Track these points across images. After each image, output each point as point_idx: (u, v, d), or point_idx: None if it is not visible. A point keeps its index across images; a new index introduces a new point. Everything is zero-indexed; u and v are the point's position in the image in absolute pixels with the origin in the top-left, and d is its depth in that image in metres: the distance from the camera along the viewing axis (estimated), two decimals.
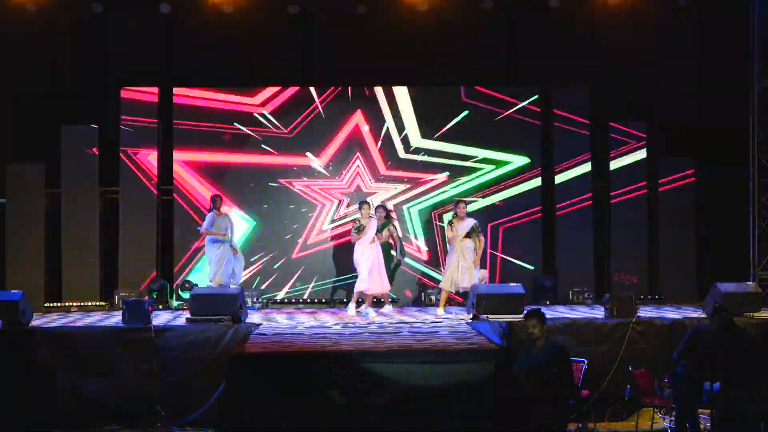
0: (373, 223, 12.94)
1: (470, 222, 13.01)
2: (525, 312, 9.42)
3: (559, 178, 14.72)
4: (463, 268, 12.81)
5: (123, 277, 14.26)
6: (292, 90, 14.67)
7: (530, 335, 9.07)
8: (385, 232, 13.20)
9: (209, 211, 13.41)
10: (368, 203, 13.17)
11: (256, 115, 14.62)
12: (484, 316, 11.41)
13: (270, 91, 14.66)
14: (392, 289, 13.51)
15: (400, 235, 13.72)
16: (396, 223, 13.81)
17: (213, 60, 14.46)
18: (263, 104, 14.64)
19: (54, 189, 14.40)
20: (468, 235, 12.91)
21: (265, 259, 14.59)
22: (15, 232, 14.18)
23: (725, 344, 8.84)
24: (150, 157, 14.54)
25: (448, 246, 13.10)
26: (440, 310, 12.96)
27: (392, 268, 13.60)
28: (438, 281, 13.88)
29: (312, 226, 14.71)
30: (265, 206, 14.69)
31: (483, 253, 13.07)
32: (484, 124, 14.73)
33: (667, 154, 14.73)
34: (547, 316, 11.63)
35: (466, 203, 13.31)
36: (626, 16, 14.24)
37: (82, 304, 13.98)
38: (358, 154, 14.73)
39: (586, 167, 14.71)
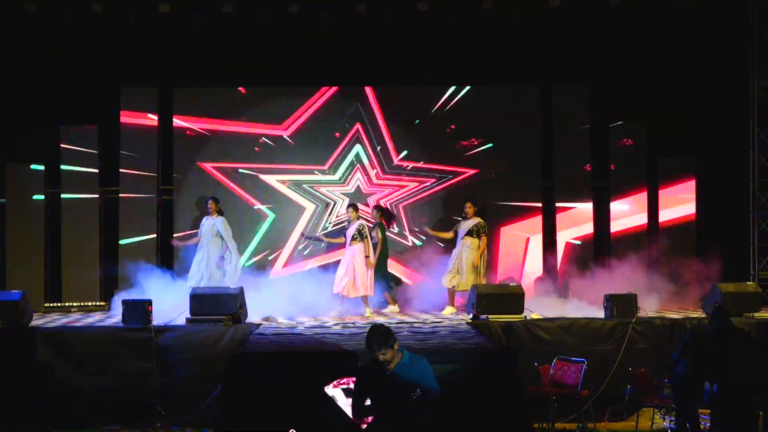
0: (353, 226, 12.93)
1: (472, 222, 13.06)
2: (368, 340, 6.97)
3: (560, 178, 14.74)
4: (462, 268, 12.88)
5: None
6: (291, 89, 14.71)
7: (382, 364, 6.93)
8: (373, 233, 13.29)
9: None
10: (354, 206, 13.18)
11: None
12: (484, 316, 11.41)
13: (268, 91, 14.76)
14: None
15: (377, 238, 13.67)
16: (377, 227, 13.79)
17: (213, 60, 14.44)
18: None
19: (54, 189, 14.40)
20: (470, 234, 12.98)
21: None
22: (15, 232, 14.18)
23: (725, 344, 8.84)
24: (150, 157, 14.54)
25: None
26: (450, 309, 13.01)
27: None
28: None
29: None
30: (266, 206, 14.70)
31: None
32: (483, 124, 14.74)
33: (667, 155, 14.71)
34: (549, 315, 11.73)
35: (474, 202, 13.30)
36: (626, 16, 14.23)
37: (82, 304, 13.98)
38: (358, 151, 14.73)
39: (587, 168, 14.73)
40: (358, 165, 14.74)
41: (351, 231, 12.96)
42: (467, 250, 12.97)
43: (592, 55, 14.48)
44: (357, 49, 14.40)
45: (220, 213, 13.40)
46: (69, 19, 14.16)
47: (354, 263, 12.78)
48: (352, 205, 13.24)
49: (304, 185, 14.72)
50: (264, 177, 14.69)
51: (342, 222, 14.38)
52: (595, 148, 14.77)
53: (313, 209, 14.67)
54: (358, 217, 13.12)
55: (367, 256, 12.87)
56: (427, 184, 14.71)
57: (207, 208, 13.46)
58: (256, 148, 14.65)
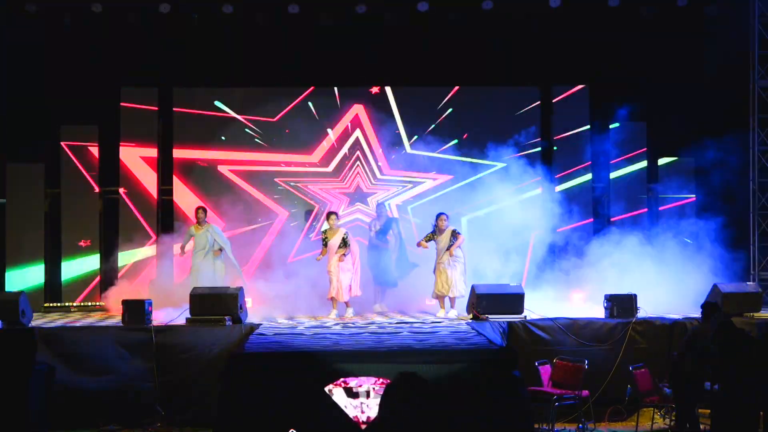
0: (339, 233, 12.81)
1: (447, 232, 12.91)
2: None
3: (559, 179, 14.73)
4: (451, 279, 12.81)
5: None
6: (292, 89, 14.71)
7: None
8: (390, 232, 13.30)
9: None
10: (335, 214, 13.14)
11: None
12: (484, 316, 11.40)
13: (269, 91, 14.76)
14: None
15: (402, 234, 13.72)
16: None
17: (213, 60, 14.45)
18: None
19: (54, 189, 14.41)
20: (449, 246, 12.84)
21: None
22: (15, 232, 14.19)
23: (725, 344, 8.83)
24: (149, 158, 14.55)
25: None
26: (442, 312, 13.04)
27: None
28: None
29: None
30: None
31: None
32: (484, 124, 14.74)
33: (667, 155, 14.72)
34: (549, 315, 11.72)
35: (447, 216, 13.05)
36: (626, 17, 14.25)
37: (82, 304, 13.99)
38: (358, 153, 14.73)
39: (586, 169, 14.72)
40: (358, 165, 14.74)
41: (336, 240, 12.76)
42: (451, 260, 12.87)
43: (592, 55, 14.48)
44: (357, 49, 14.41)
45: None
46: (69, 19, 14.18)
47: (339, 269, 12.75)
48: (334, 213, 13.08)
49: (305, 185, 14.73)
50: (264, 177, 14.70)
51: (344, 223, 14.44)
52: (595, 148, 14.77)
53: (315, 209, 14.69)
54: (336, 225, 13.00)
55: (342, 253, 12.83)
56: (423, 184, 14.72)
57: (201, 218, 12.99)
58: (255, 148, 14.67)
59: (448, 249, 12.73)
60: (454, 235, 12.82)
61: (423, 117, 14.73)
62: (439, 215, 12.99)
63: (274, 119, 14.68)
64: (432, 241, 12.91)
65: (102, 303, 13.91)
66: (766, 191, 14.31)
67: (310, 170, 14.74)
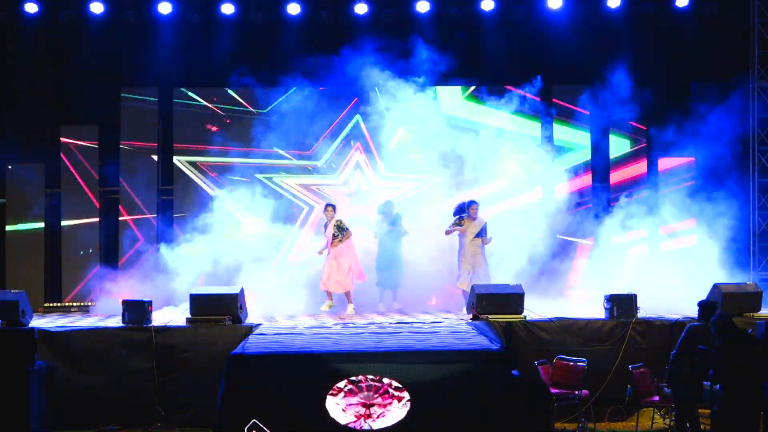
0: (331, 225, 12.90)
1: (480, 222, 12.99)
2: None
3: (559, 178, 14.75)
4: (478, 269, 12.83)
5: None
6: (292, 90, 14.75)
7: None
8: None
9: None
10: (332, 206, 13.16)
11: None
12: (485, 316, 11.41)
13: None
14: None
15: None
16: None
17: (213, 60, 14.46)
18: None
19: (54, 189, 14.42)
20: (479, 235, 12.93)
21: None
22: (15, 232, 14.19)
23: (726, 344, 8.83)
24: (150, 157, 14.56)
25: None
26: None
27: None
28: None
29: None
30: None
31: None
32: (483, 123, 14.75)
33: (667, 155, 14.73)
34: (549, 315, 11.74)
35: (478, 204, 13.20)
36: (626, 17, 14.26)
37: (82, 304, 13.99)
38: (357, 152, 14.72)
39: (587, 169, 14.74)
40: (359, 166, 14.74)
41: (330, 231, 12.91)
42: (479, 250, 12.92)
43: (591, 55, 14.48)
44: (357, 49, 14.40)
45: None
46: (69, 19, 14.19)
47: (337, 262, 12.82)
48: (331, 206, 13.19)
49: (306, 186, 14.73)
50: (265, 177, 14.70)
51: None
52: (595, 148, 14.77)
53: (314, 209, 14.70)
54: (333, 217, 13.06)
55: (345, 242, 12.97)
56: (425, 184, 14.72)
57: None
58: (252, 146, 14.71)
59: (477, 237, 12.76)
60: (486, 229, 12.86)
61: (422, 117, 14.71)
62: (470, 203, 13.03)
63: (275, 117, 14.70)
64: (459, 227, 12.93)
65: (93, 303, 13.90)
66: (766, 191, 14.31)
67: (310, 170, 14.74)
